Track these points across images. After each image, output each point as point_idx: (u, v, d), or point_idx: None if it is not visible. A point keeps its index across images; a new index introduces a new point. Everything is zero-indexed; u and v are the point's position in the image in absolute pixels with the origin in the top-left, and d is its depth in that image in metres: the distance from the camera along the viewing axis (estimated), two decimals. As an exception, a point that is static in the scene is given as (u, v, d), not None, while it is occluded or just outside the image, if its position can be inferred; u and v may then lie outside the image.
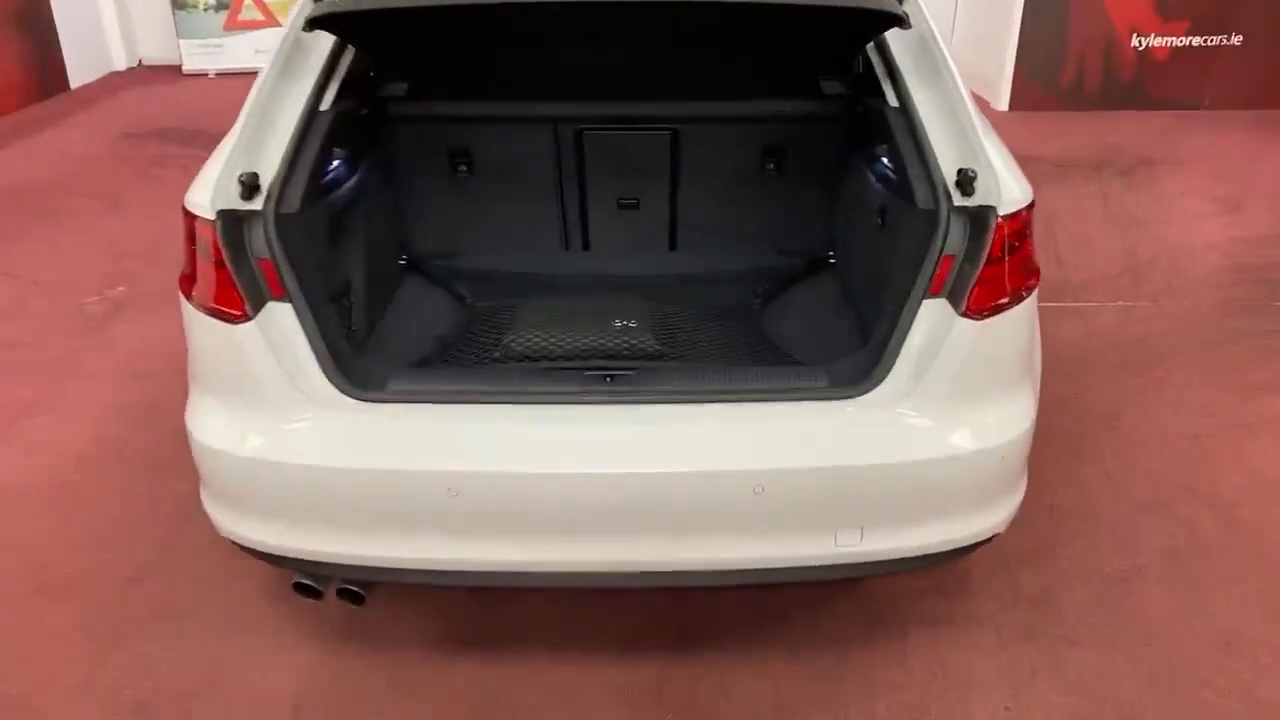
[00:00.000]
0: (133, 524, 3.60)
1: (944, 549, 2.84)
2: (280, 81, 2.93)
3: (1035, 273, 2.83)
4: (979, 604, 3.29)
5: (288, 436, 2.69)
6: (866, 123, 3.38)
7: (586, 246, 4.09)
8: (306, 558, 2.79)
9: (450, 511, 2.63)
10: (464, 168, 3.84)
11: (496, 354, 3.13)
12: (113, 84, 10.23)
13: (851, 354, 2.93)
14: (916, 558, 2.82)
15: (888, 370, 2.72)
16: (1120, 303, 5.27)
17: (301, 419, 2.69)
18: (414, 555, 2.73)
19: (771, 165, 3.83)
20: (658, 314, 3.40)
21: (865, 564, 2.81)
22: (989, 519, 2.85)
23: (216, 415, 2.78)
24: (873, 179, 3.29)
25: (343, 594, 2.98)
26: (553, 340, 3.14)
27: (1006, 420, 2.80)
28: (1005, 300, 2.73)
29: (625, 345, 3.12)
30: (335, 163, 3.16)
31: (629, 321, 3.23)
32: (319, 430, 2.69)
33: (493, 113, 3.67)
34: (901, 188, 2.96)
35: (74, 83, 9.87)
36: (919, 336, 2.68)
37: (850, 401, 2.73)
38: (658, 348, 3.12)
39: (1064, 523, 3.66)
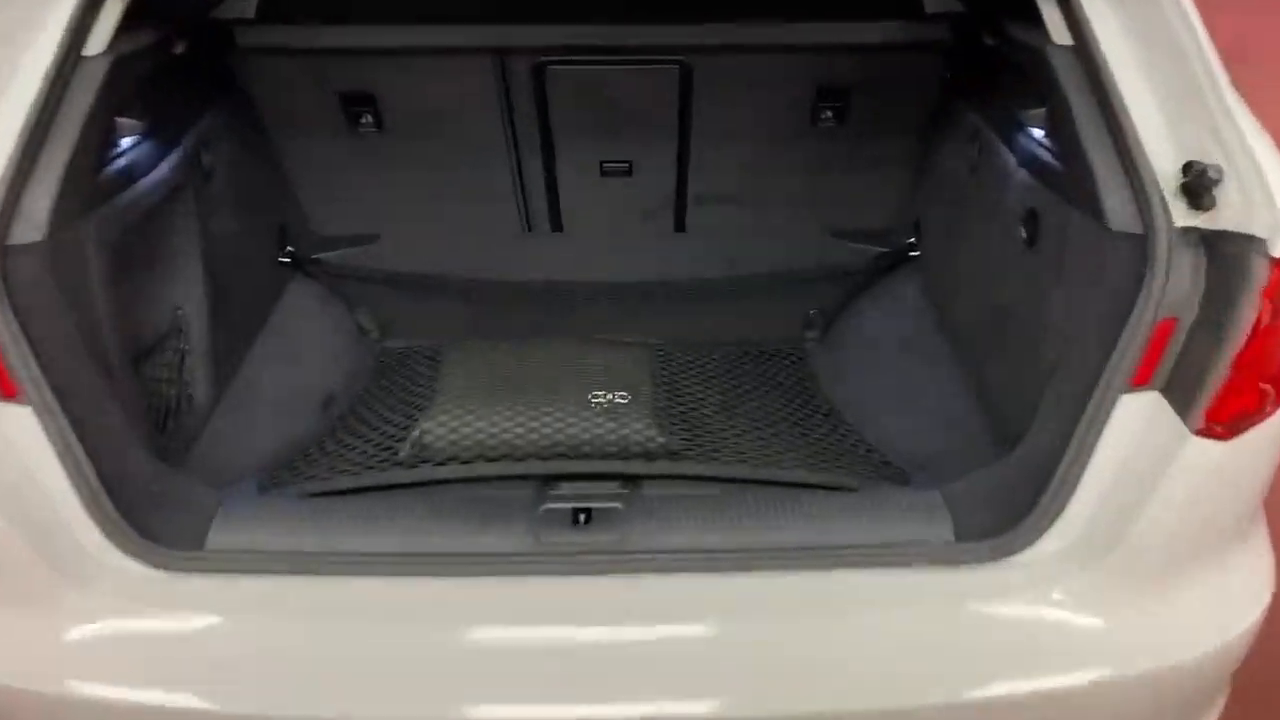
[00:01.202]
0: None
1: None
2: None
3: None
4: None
5: (24, 642, 1.59)
6: (1001, 65, 2.10)
7: (558, 227, 2.86)
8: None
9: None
10: (368, 121, 2.58)
11: (402, 454, 1.96)
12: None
13: (979, 458, 1.81)
14: None
15: (1053, 515, 1.58)
16: None
17: (57, 610, 1.58)
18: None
19: (829, 114, 2.58)
20: (662, 371, 2.22)
21: None
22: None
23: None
24: (1011, 161, 2.04)
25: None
26: (493, 429, 1.97)
27: (1238, 600, 1.68)
28: (1269, 406, 1.57)
29: (610, 439, 1.96)
30: (127, 141, 1.93)
31: (616, 392, 2.05)
32: (79, 632, 1.58)
33: (401, 42, 2.39)
34: (1074, 186, 1.76)
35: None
36: (1112, 459, 1.52)
37: (990, 569, 1.60)
38: (661, 441, 1.95)
39: None
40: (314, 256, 2.75)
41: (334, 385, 2.26)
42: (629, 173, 2.74)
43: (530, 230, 2.90)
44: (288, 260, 2.68)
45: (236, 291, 2.36)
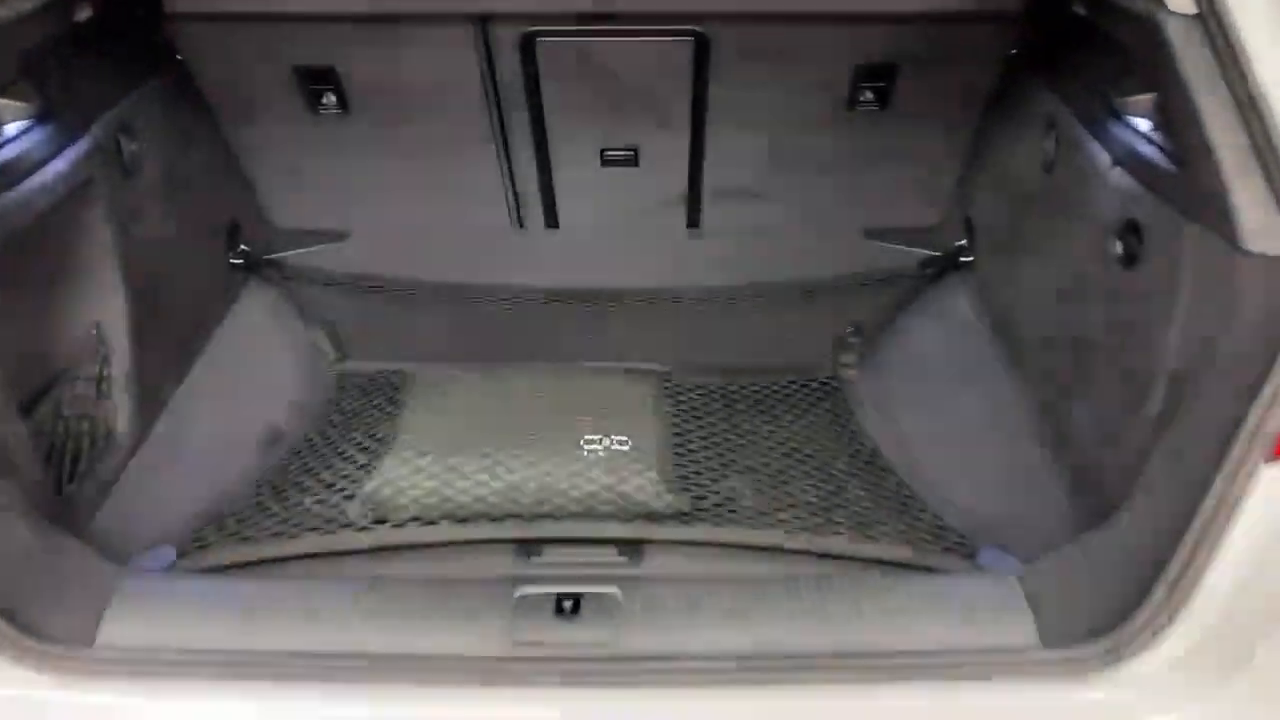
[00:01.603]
0: None
1: None
2: None
3: None
4: None
5: None
6: (1092, 38, 1.71)
7: (553, 223, 2.49)
8: None
9: None
10: (330, 101, 2.21)
11: (353, 513, 1.61)
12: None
13: (1058, 526, 1.51)
14: None
15: (1171, 614, 1.23)
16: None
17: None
18: None
19: (870, 96, 2.19)
20: (670, 406, 1.86)
21: None
22: None
23: None
24: (1103, 159, 1.66)
25: None
26: (464, 482, 1.63)
27: None
28: None
29: (606, 496, 1.60)
30: (11, 127, 1.57)
31: (614, 436, 1.70)
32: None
33: (372, 8, 2.01)
34: (1193, 193, 1.39)
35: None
36: (1248, 545, 1.26)
37: (1084, 685, 1.26)
38: (668, 499, 1.60)
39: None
40: (270, 257, 2.39)
41: (281, 418, 1.91)
42: (634, 162, 2.37)
43: (522, 226, 2.53)
44: (240, 262, 2.32)
45: (170, 305, 2.01)
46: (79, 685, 1.30)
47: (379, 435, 1.77)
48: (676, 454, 1.71)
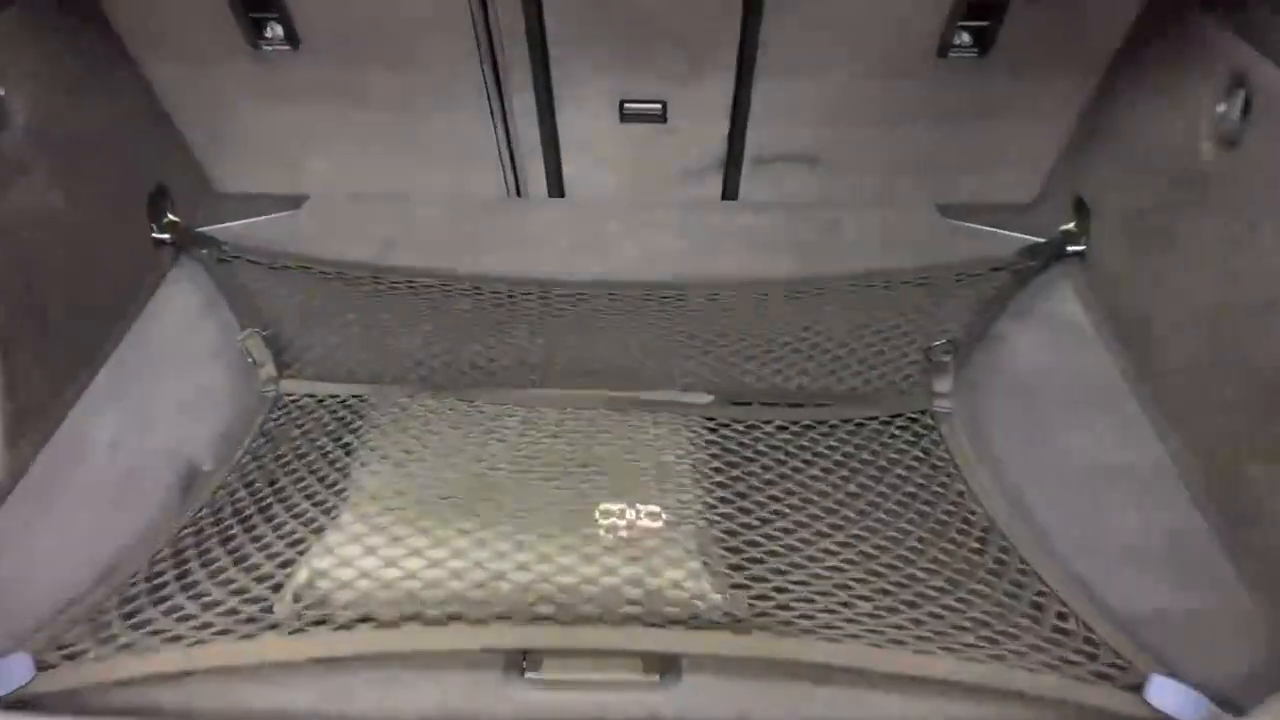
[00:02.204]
0: None
1: None
2: None
3: None
4: None
5: None
6: None
7: (558, 191, 2.03)
8: None
9: None
10: (275, 33, 1.73)
11: (280, 610, 1.17)
12: None
13: (1242, 631, 1.18)
14: None
15: None
16: None
17: None
18: None
19: (967, 39, 1.71)
20: (714, 456, 1.40)
21: None
22: None
23: None
24: None
25: None
26: (434, 571, 1.19)
27: None
28: None
29: (633, 594, 1.17)
30: None
31: (640, 506, 1.25)
32: None
33: None
34: None
35: None
36: None
37: None
38: (716, 599, 1.17)
39: None
40: (205, 230, 1.92)
41: (202, 454, 1.46)
42: (661, 117, 1.88)
43: (520, 194, 2.05)
44: (166, 236, 1.85)
45: (61, 299, 1.54)
46: None
47: (320, 495, 1.32)
48: (726, 530, 1.26)
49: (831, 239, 1.95)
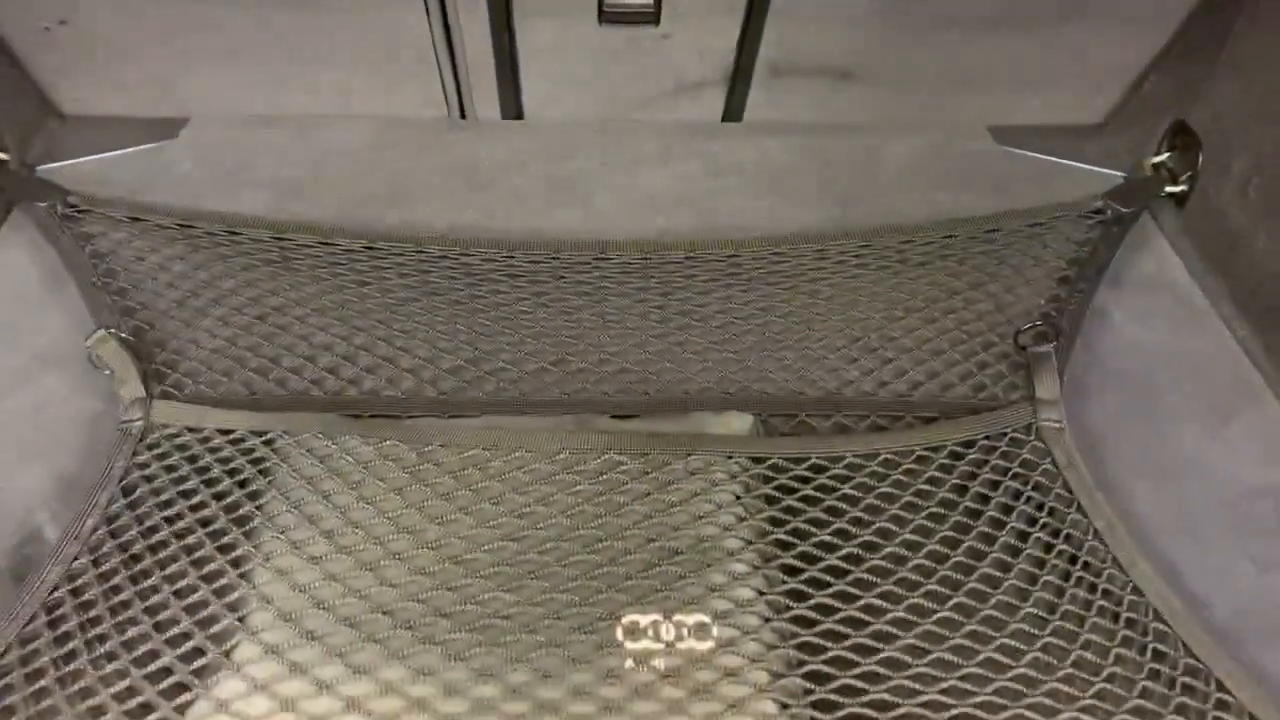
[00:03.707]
0: None
1: None
2: None
3: None
4: None
5: None
6: None
7: (515, 111, 1.56)
8: None
9: None
10: None
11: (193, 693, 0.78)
12: None
13: None
14: None
15: None
16: None
17: None
18: None
19: None
20: (768, 515, 1.02)
21: None
22: None
23: None
24: None
25: None
26: (378, 706, 0.80)
27: None
28: None
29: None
30: None
31: (684, 620, 0.87)
32: None
33: None
34: None
35: None
36: None
37: None
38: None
39: None
40: (46, 169, 1.43)
41: (41, 513, 1.02)
42: (652, 18, 1.42)
43: (463, 117, 1.58)
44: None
45: None
46: None
47: (208, 608, 0.90)
48: (804, 644, 0.89)
49: (867, 176, 1.54)
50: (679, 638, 0.85)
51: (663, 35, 1.46)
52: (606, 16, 1.43)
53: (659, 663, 0.84)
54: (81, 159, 1.48)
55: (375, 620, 0.87)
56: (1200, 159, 1.43)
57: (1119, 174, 1.52)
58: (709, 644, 0.85)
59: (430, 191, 1.47)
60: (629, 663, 0.84)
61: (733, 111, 1.59)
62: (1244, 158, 1.34)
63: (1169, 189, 1.47)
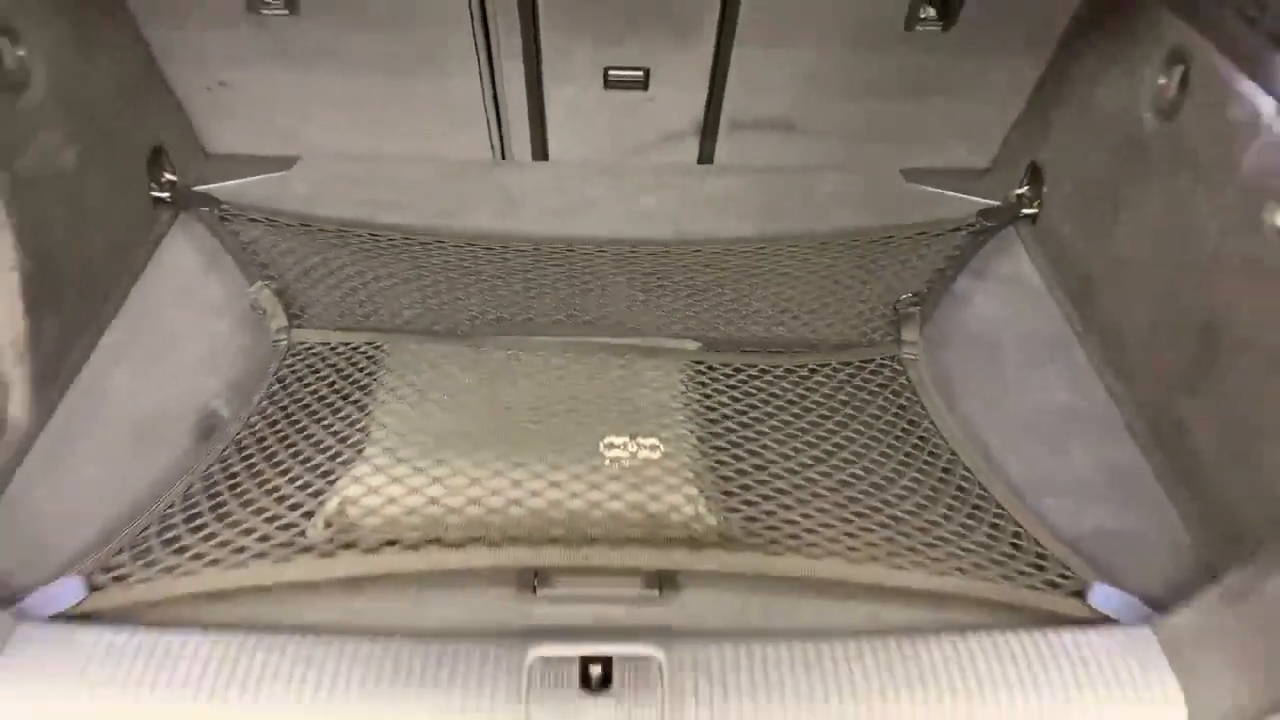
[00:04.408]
0: None
1: None
2: None
3: None
4: None
5: None
6: None
7: (542, 154, 2.12)
8: None
9: None
10: None
11: (312, 534, 1.27)
12: None
13: (1172, 548, 1.39)
14: None
15: None
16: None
17: None
18: None
19: (931, 13, 1.83)
20: (703, 395, 1.53)
21: None
22: None
23: None
24: (1263, 107, 1.32)
25: None
26: (454, 498, 1.30)
27: None
28: None
29: (635, 517, 1.29)
30: None
31: (640, 438, 1.37)
32: None
33: None
34: None
35: None
36: None
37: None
38: (711, 522, 1.30)
39: None
40: (201, 189, 1.99)
41: (219, 401, 1.55)
42: (643, 85, 1.99)
43: (504, 157, 2.14)
44: (165, 195, 1.91)
45: (76, 253, 1.61)
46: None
47: (343, 431, 1.42)
48: (717, 461, 1.39)
49: (803, 201, 2.08)
50: (638, 450, 1.35)
51: (650, 99, 2.02)
52: (610, 84, 2.00)
53: (625, 463, 1.33)
54: (223, 183, 2.05)
55: (452, 435, 1.37)
56: (1045, 189, 1.96)
57: (995, 202, 2.05)
58: (657, 455, 1.35)
59: (479, 209, 2.03)
60: (606, 462, 1.34)
61: (705, 155, 2.15)
62: (1070, 187, 1.87)
63: (1025, 211, 1.99)
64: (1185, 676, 1.11)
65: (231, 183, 2.06)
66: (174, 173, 1.96)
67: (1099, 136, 1.75)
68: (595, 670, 1.09)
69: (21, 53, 1.49)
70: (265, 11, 1.81)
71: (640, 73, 1.97)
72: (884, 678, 1.09)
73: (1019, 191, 2.02)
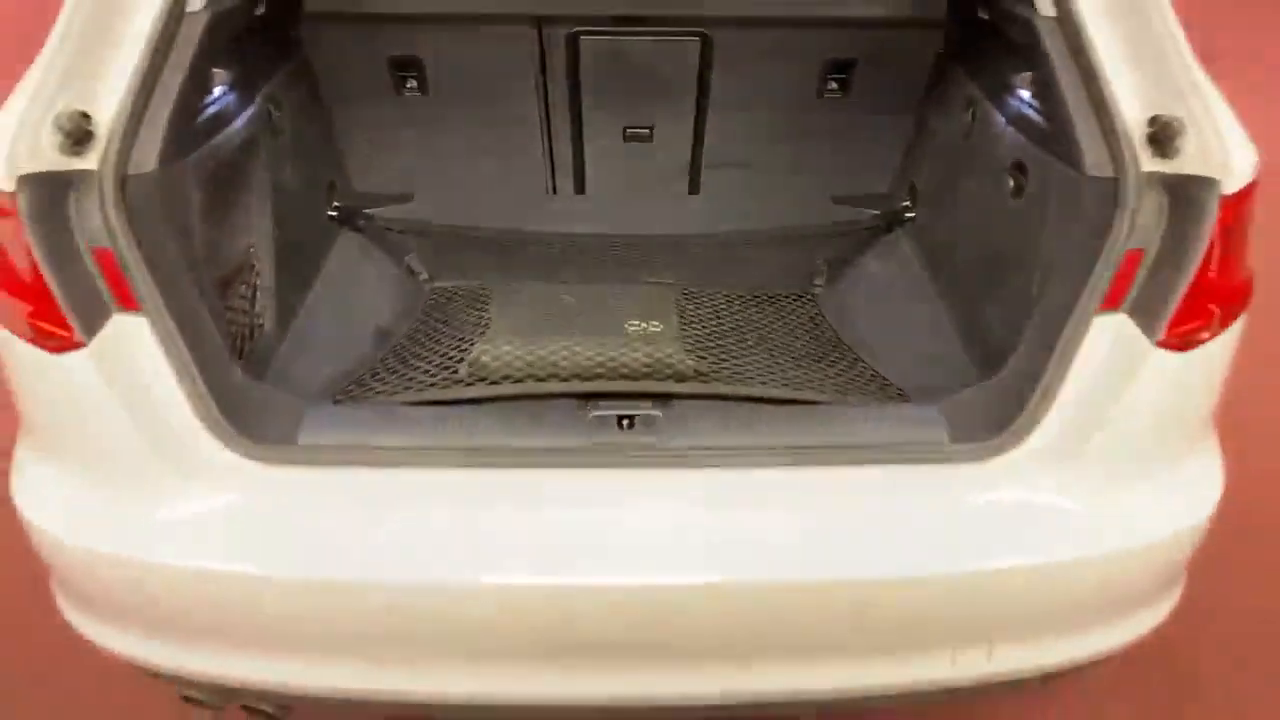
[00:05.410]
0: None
1: (1091, 659, 2.04)
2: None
3: (1250, 279, 1.95)
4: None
5: (146, 523, 1.81)
6: (993, 37, 2.37)
7: (581, 190, 3.11)
8: (190, 678, 1.94)
9: (400, 636, 1.79)
10: (413, 85, 2.82)
11: (462, 372, 2.19)
12: None
13: (972, 384, 2.09)
14: (1056, 673, 2.02)
15: (1036, 420, 1.84)
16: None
17: (167, 495, 1.81)
18: (347, 685, 1.88)
19: (835, 86, 2.83)
20: (688, 307, 2.47)
21: (990, 684, 2.01)
22: (1151, 617, 2.07)
23: (49, 486, 1.92)
24: (1001, 122, 2.30)
25: (253, 711, 2.13)
26: (542, 353, 2.21)
27: (1194, 495, 2.00)
28: (1217, 323, 1.85)
29: (645, 361, 2.19)
30: (217, 90, 2.14)
31: (648, 321, 2.30)
32: (193, 514, 1.81)
33: (452, 9, 2.63)
34: (1057, 139, 2.01)
35: None
36: (1086, 371, 1.80)
37: (982, 465, 1.86)
38: (691, 364, 2.19)
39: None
40: (361, 210, 2.98)
41: (387, 322, 2.50)
42: (649, 138, 2.99)
43: (555, 191, 3.14)
44: (335, 214, 2.90)
45: (296, 238, 2.59)
46: (289, 470, 1.87)
47: (471, 326, 2.37)
48: (694, 336, 2.33)
49: (759, 213, 3.06)
50: (647, 328, 2.29)
51: (655, 148, 3.02)
52: (627, 138, 2.99)
53: (638, 331, 2.27)
54: (368, 209, 3.04)
55: (542, 322, 2.31)
56: (919, 200, 2.93)
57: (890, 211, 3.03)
58: (659, 329, 2.28)
59: (540, 223, 3.01)
60: (630, 332, 2.27)
61: (693, 187, 3.14)
62: (933, 196, 2.84)
63: (908, 215, 2.96)
64: (950, 421, 1.98)
65: (372, 210, 3.06)
66: (339, 201, 2.96)
67: (942, 159, 2.73)
68: (625, 421, 1.99)
69: (280, 114, 2.50)
70: (406, 93, 2.83)
71: (648, 130, 2.97)
72: (778, 421, 1.98)
73: (904, 204, 2.99)
